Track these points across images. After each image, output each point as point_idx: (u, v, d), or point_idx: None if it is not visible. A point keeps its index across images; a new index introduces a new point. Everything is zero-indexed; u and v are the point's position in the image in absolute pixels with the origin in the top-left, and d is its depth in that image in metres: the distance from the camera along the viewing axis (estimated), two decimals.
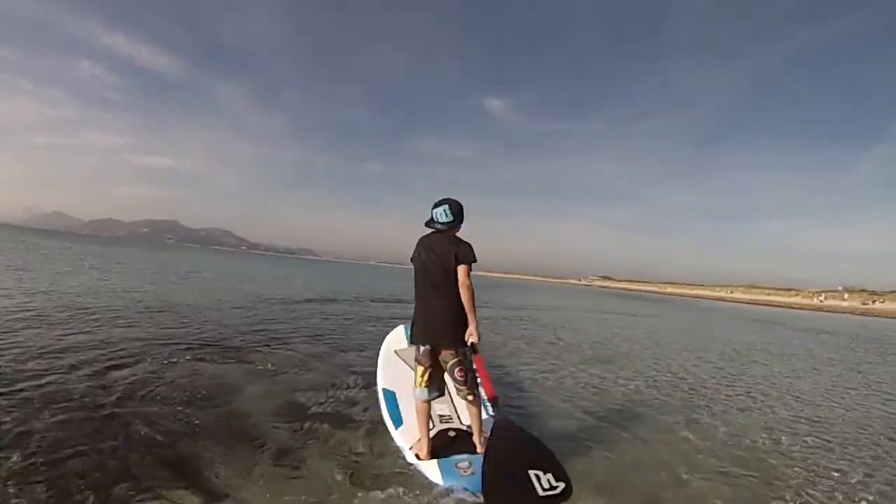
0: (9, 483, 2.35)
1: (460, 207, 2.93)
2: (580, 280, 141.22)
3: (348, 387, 4.45)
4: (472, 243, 2.86)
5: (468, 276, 2.79)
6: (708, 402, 5.19)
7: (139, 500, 2.32)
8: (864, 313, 44.48)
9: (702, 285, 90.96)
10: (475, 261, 2.81)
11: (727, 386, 6.21)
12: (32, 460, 2.56)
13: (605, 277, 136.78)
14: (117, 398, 3.58)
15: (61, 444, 2.75)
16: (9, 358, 4.33)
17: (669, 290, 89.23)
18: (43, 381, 3.77)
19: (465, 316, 2.77)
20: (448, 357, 2.82)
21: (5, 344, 4.79)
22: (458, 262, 2.77)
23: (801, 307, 51.66)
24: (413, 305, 2.95)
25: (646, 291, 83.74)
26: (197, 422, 3.29)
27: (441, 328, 2.81)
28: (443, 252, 2.82)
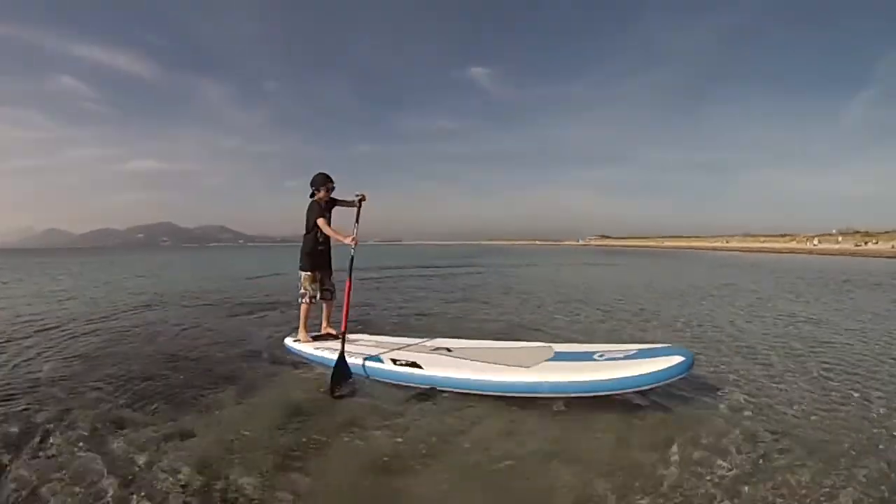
0: None
1: (314, 178, 4.71)
2: (578, 241, 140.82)
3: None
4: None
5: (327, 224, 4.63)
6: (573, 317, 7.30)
7: None
8: (853, 254, 43.61)
9: (698, 237, 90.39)
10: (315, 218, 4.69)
11: (612, 305, 8.53)
12: None
13: (604, 237, 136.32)
14: None
15: None
16: None
17: (667, 243, 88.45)
18: None
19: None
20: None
21: None
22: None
23: (793, 251, 50.44)
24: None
25: (643, 247, 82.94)
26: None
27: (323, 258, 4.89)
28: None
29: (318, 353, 4.41)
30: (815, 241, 63.67)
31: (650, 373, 3.10)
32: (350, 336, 4.32)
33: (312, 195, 4.72)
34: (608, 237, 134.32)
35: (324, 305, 5.05)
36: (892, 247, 47.95)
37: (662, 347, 3.59)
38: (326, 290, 4.96)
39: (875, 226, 65.37)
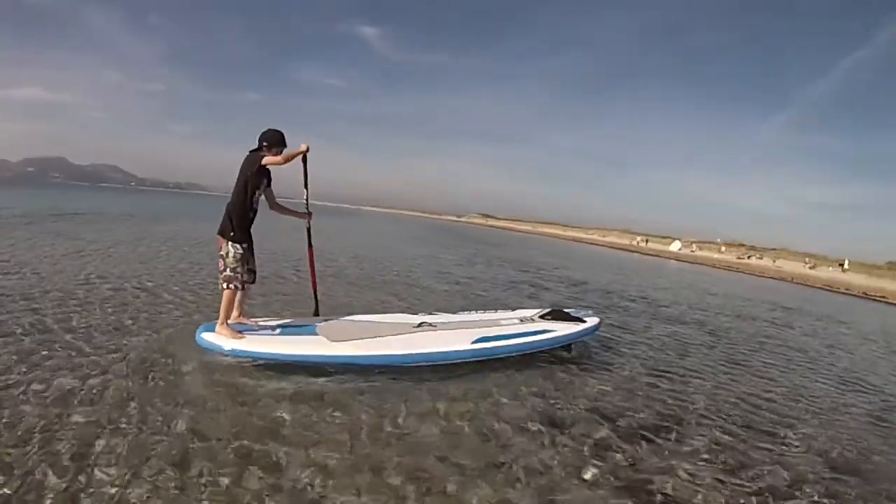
0: None
1: (268, 134, 4.04)
2: (459, 217, 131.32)
3: None
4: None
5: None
6: None
7: None
8: (728, 267, 38.85)
9: (578, 227, 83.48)
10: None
11: None
12: None
13: (486, 216, 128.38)
14: None
15: None
16: None
17: (541, 229, 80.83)
18: None
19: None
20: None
21: None
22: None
23: (656, 255, 44.72)
24: None
25: (512, 229, 76.88)
26: None
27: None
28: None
29: (266, 349, 3.89)
30: (694, 248, 57.86)
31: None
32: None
33: (257, 151, 4.04)
34: (490, 216, 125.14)
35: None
36: (773, 262, 46.34)
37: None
38: (251, 272, 4.23)
39: (766, 242, 61.22)
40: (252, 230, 4.17)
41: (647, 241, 63.77)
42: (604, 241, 63.69)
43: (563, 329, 4.79)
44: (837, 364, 6.90)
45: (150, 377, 3.44)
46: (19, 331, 4.15)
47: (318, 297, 4.80)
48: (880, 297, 24.09)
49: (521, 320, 5.02)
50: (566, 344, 4.87)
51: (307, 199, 4.50)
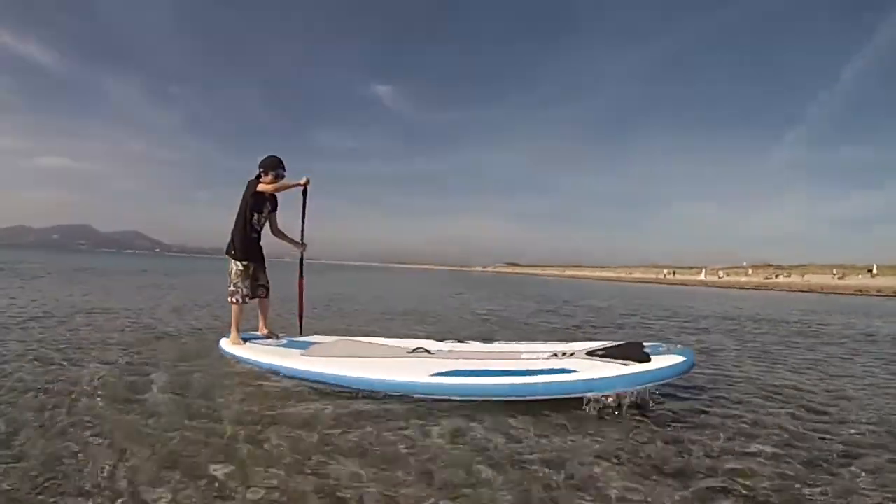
0: None
1: (265, 160, 4.35)
2: (485, 267, 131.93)
3: None
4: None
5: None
6: None
7: None
8: (756, 287, 39.25)
9: (604, 267, 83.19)
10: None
11: None
12: None
13: (512, 264, 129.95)
14: None
15: None
16: None
17: (568, 272, 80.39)
18: None
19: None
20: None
21: None
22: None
23: (682, 283, 42.97)
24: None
25: (539, 275, 77.85)
26: None
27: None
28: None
29: (259, 357, 4.11)
30: (721, 274, 57.65)
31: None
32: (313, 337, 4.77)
33: (258, 178, 4.34)
34: (516, 264, 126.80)
35: (260, 304, 4.72)
36: (802, 276, 46.18)
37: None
38: (261, 287, 4.61)
39: (792, 261, 60.78)
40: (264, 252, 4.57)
41: (673, 272, 64.32)
42: (630, 277, 64.13)
43: (606, 371, 3.12)
44: None
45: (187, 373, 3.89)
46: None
47: (304, 322, 4.95)
48: None
49: (557, 355, 3.69)
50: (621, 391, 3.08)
51: (303, 231, 4.64)
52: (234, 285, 4.35)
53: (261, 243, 4.52)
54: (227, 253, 4.39)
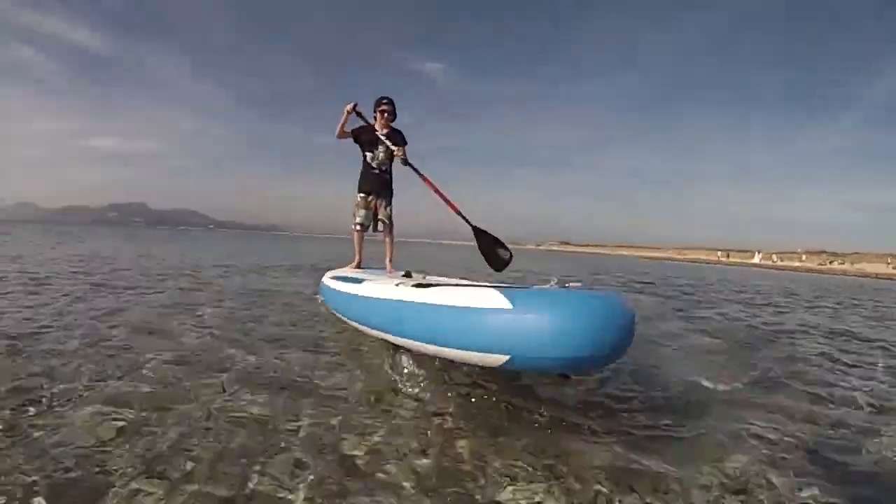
0: None
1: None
2: (538, 245, 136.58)
3: None
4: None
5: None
6: None
7: None
8: (809, 271, 40.56)
9: (654, 247, 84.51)
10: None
11: None
12: None
13: (564, 243, 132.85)
14: None
15: None
16: None
17: (620, 251, 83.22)
18: None
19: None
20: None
21: None
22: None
23: (739, 265, 46.17)
24: None
25: (591, 254, 79.47)
26: None
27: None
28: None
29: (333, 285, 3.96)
30: (775, 258, 59.74)
31: None
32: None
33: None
34: (568, 243, 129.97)
35: (386, 241, 4.75)
36: (852, 265, 46.98)
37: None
38: (380, 221, 4.67)
39: (848, 249, 62.19)
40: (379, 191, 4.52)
41: (728, 255, 66.41)
42: (683, 257, 66.43)
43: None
44: None
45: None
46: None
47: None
48: None
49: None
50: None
51: (386, 138, 4.38)
52: (354, 213, 4.62)
53: (388, 179, 4.61)
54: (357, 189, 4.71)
